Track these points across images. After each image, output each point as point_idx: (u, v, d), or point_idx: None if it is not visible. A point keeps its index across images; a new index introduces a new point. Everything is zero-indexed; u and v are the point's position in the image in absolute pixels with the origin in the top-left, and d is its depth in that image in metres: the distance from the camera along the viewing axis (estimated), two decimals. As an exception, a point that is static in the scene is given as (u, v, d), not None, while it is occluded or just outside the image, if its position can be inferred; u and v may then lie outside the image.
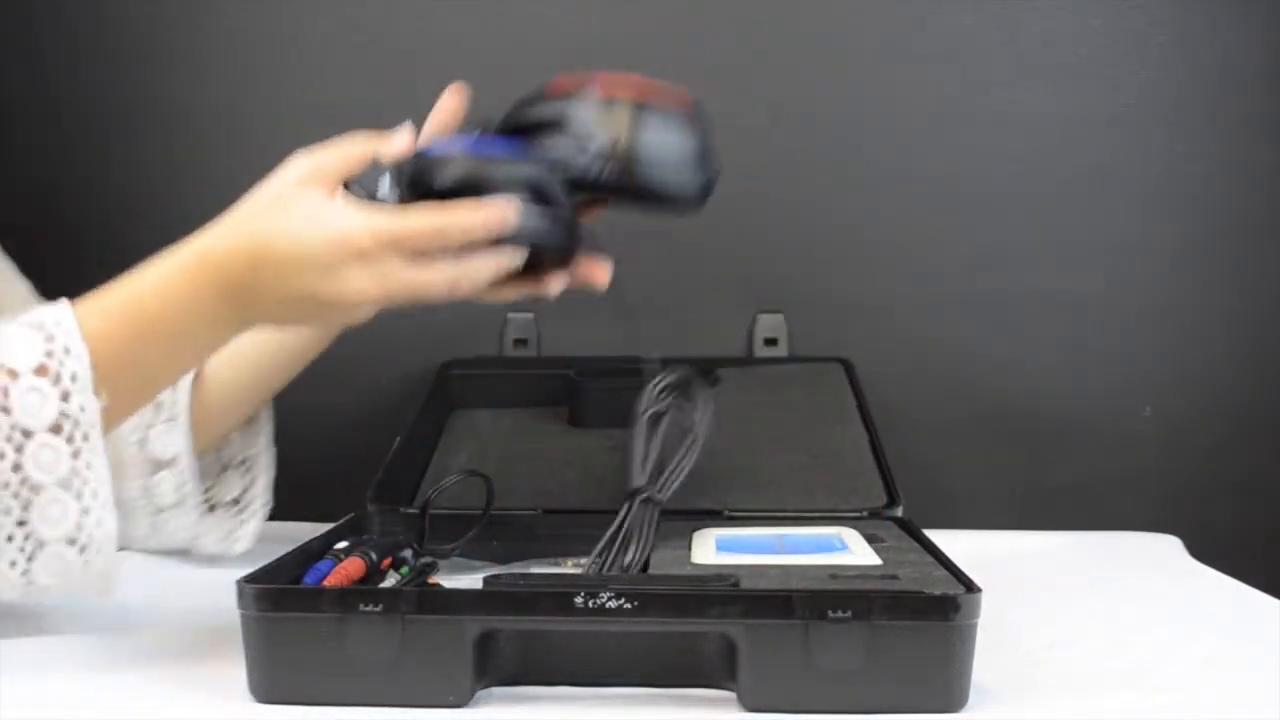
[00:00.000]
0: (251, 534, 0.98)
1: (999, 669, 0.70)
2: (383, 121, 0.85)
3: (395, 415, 1.14)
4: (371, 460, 1.01)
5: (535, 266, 0.78)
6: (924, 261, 1.27)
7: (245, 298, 0.72)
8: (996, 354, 1.27)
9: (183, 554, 1.04)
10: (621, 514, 0.82)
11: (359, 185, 0.74)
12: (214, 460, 0.99)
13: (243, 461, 1.00)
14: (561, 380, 1.18)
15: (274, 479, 1.01)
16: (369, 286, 0.70)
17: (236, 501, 0.97)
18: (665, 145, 0.80)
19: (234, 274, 0.72)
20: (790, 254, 1.27)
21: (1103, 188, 1.26)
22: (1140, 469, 1.27)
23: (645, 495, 0.83)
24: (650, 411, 0.85)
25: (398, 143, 0.75)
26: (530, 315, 1.28)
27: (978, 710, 0.65)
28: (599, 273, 0.80)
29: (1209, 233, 1.26)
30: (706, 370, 1.19)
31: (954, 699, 0.65)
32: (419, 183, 0.74)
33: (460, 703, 0.66)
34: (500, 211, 0.71)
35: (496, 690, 0.68)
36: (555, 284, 0.80)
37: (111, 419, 0.73)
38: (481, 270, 0.73)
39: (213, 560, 1.00)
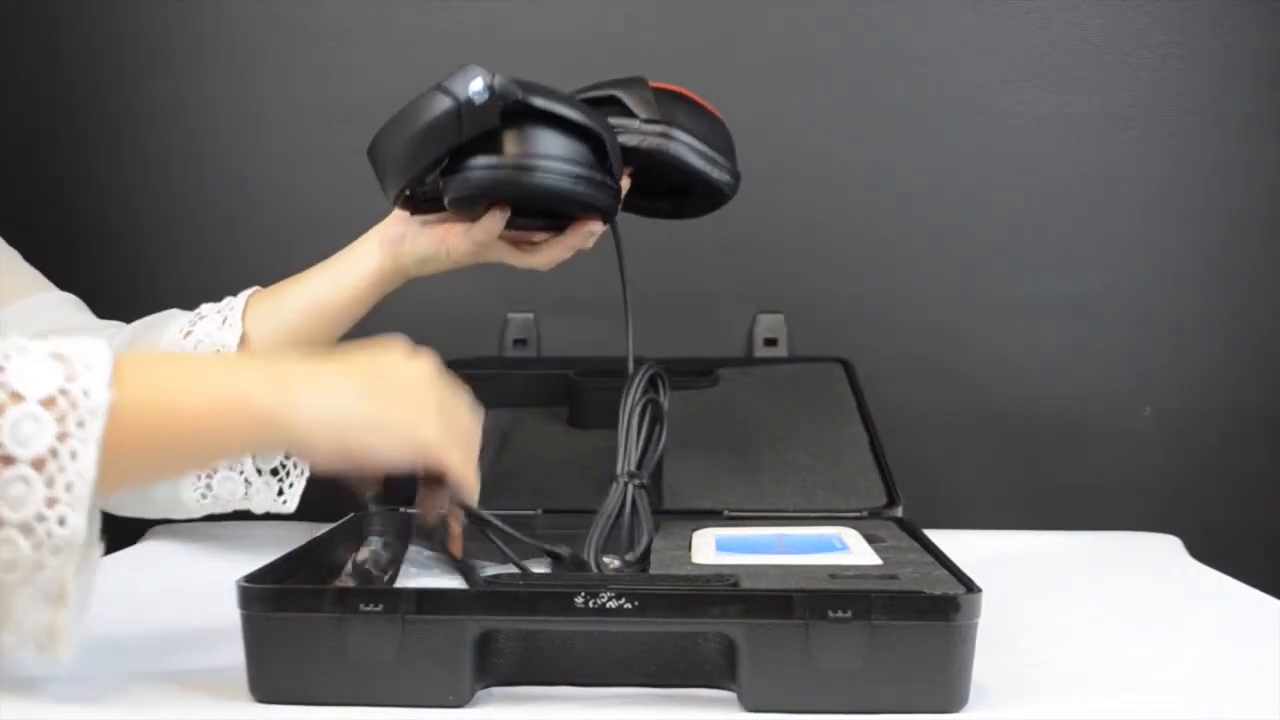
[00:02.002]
0: (298, 495, 0.98)
1: (999, 669, 0.70)
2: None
3: (395, 415, 1.14)
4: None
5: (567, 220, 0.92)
6: (924, 261, 1.27)
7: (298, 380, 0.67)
8: (997, 354, 1.27)
9: (181, 552, 1.05)
10: (621, 496, 0.85)
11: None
12: None
13: None
14: (561, 380, 1.18)
15: None
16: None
17: (280, 468, 0.97)
18: (699, 130, 0.92)
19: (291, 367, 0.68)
20: (790, 254, 1.27)
21: (1102, 187, 1.26)
22: (1140, 469, 1.28)
23: (639, 481, 0.86)
24: (639, 404, 0.89)
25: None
26: (530, 315, 1.28)
27: (978, 710, 0.65)
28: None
29: (1209, 233, 1.27)
30: (706, 370, 1.20)
31: (954, 699, 0.65)
32: None
33: (460, 703, 0.66)
34: None
35: (496, 690, 0.68)
36: (591, 238, 0.92)
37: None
38: None
39: (216, 556, 1.00)
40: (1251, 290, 1.27)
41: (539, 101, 0.84)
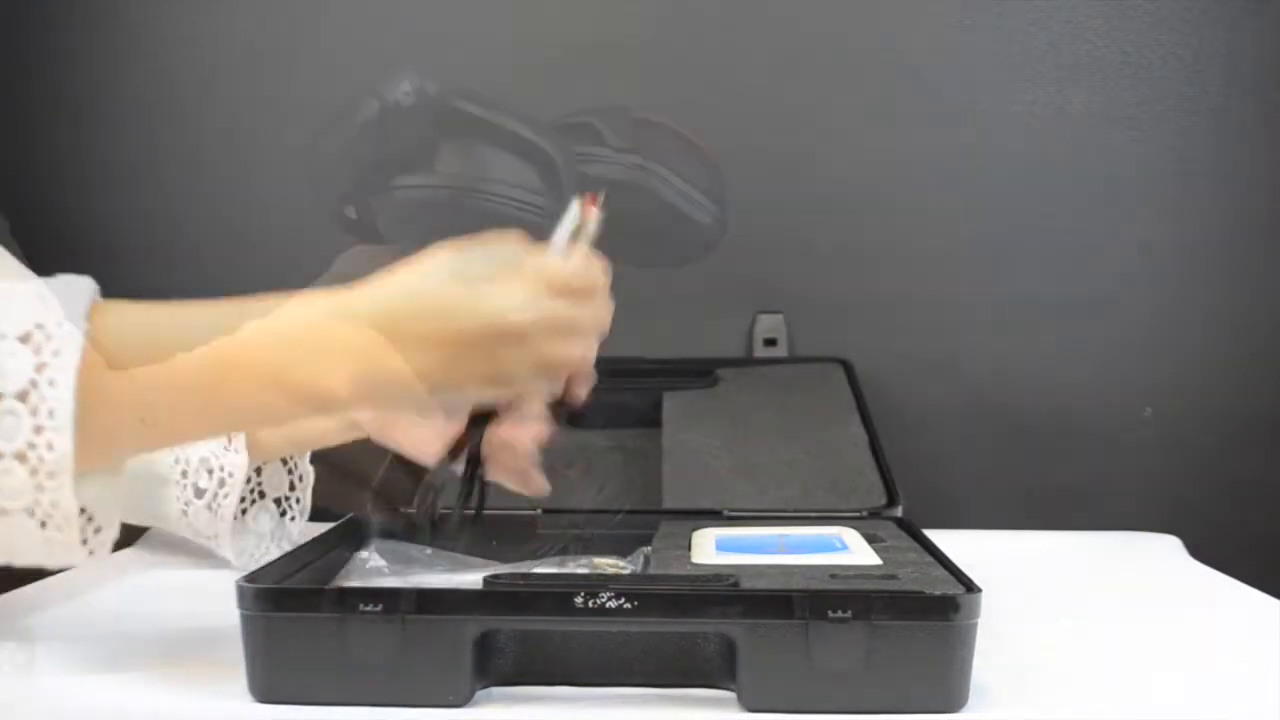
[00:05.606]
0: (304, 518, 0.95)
1: (999, 669, 0.70)
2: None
3: (395, 415, 1.14)
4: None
5: None
6: (923, 261, 1.27)
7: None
8: (997, 354, 1.27)
9: (181, 552, 1.05)
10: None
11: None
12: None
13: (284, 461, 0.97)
14: (561, 380, 1.18)
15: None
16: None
17: (285, 499, 0.94)
18: (681, 166, 0.85)
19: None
20: (790, 254, 1.27)
21: (1103, 188, 1.26)
22: (1140, 469, 1.28)
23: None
24: None
25: None
26: (530, 315, 1.28)
27: (978, 710, 0.65)
28: None
29: (1209, 233, 1.26)
30: (706, 370, 1.20)
31: (954, 699, 0.65)
32: None
33: (460, 703, 0.66)
34: None
35: (496, 690, 0.68)
36: None
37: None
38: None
39: (215, 556, 1.00)
40: (1251, 290, 1.27)
41: (477, 111, 0.79)
